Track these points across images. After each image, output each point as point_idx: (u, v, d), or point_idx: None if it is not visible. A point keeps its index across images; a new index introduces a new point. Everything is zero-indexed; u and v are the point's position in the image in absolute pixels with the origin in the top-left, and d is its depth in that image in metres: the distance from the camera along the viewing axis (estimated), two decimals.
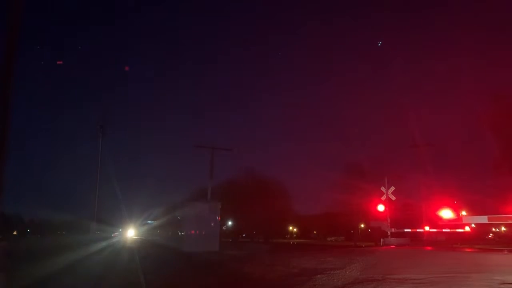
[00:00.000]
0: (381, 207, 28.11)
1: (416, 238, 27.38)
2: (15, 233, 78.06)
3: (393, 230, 27.85)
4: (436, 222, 26.60)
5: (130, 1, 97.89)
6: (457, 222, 25.97)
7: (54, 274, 10.99)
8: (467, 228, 26.51)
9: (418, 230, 27.51)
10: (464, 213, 26.55)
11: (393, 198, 28.33)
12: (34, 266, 11.41)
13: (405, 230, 28.14)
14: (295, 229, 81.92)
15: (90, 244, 22.13)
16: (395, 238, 27.32)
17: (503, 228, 54.94)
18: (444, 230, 26.64)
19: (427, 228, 26.97)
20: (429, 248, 22.53)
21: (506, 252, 18.23)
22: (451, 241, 26.29)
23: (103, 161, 29.40)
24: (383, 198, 28.42)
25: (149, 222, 46.37)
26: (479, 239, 36.63)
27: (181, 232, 28.44)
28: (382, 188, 28.71)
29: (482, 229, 42.12)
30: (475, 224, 28.09)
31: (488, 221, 25.91)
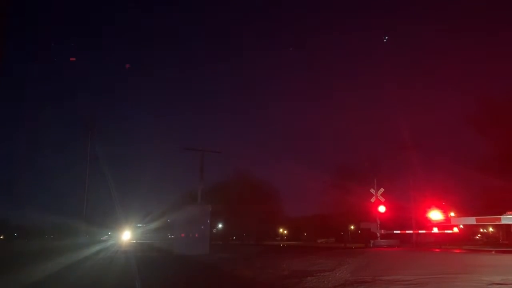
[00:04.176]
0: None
1: (405, 240, 27.59)
2: (1, 237, 76.94)
3: (382, 231, 28.03)
4: (425, 223, 26.81)
5: (122, 2, 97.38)
6: (445, 224, 26.19)
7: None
8: (455, 229, 26.73)
9: (407, 231, 27.73)
10: (452, 214, 26.77)
11: (382, 199, 28.55)
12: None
13: (395, 231, 28.35)
14: (285, 231, 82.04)
15: (79, 249, 21.94)
16: (385, 240, 27.52)
17: (490, 229, 55.61)
18: (433, 231, 26.85)
19: (416, 229, 27.20)
20: (418, 249, 22.71)
21: (493, 252, 18.44)
22: (440, 242, 26.53)
23: (94, 164, 29.15)
24: (373, 200, 28.63)
25: (139, 225, 46.03)
26: (467, 240, 37.02)
27: (170, 235, 28.26)
28: (372, 190, 28.91)
29: (470, 230, 42.60)
30: (463, 225, 28.35)
31: (476, 222, 26.12)
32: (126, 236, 42.22)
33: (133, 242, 41.72)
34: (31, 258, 18.85)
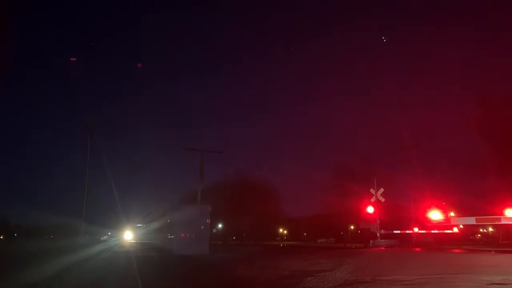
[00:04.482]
0: (370, 209, 28.35)
1: (405, 240, 27.62)
2: (1, 237, 77.02)
3: (382, 231, 28.04)
4: (425, 223, 26.83)
5: (120, 4, 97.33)
6: (445, 223, 26.22)
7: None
8: (455, 229, 26.78)
9: (407, 231, 27.74)
10: (452, 214, 26.80)
11: (382, 199, 28.57)
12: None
13: (394, 231, 28.36)
14: (285, 231, 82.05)
15: (79, 249, 21.93)
16: (385, 240, 27.53)
17: (490, 229, 55.70)
18: (432, 231, 26.87)
19: (416, 229, 27.21)
20: (418, 249, 22.71)
21: (493, 252, 18.45)
22: (440, 242, 26.53)
23: (93, 164, 29.02)
24: (373, 199, 28.64)
25: (139, 225, 46.05)
26: (467, 240, 37.08)
27: (170, 235, 28.24)
28: (372, 190, 28.93)
29: (470, 230, 42.65)
30: (463, 225, 28.41)
31: (476, 222, 26.20)
32: (128, 236, 42.25)
33: (134, 242, 41.74)
34: (31, 258, 18.85)
